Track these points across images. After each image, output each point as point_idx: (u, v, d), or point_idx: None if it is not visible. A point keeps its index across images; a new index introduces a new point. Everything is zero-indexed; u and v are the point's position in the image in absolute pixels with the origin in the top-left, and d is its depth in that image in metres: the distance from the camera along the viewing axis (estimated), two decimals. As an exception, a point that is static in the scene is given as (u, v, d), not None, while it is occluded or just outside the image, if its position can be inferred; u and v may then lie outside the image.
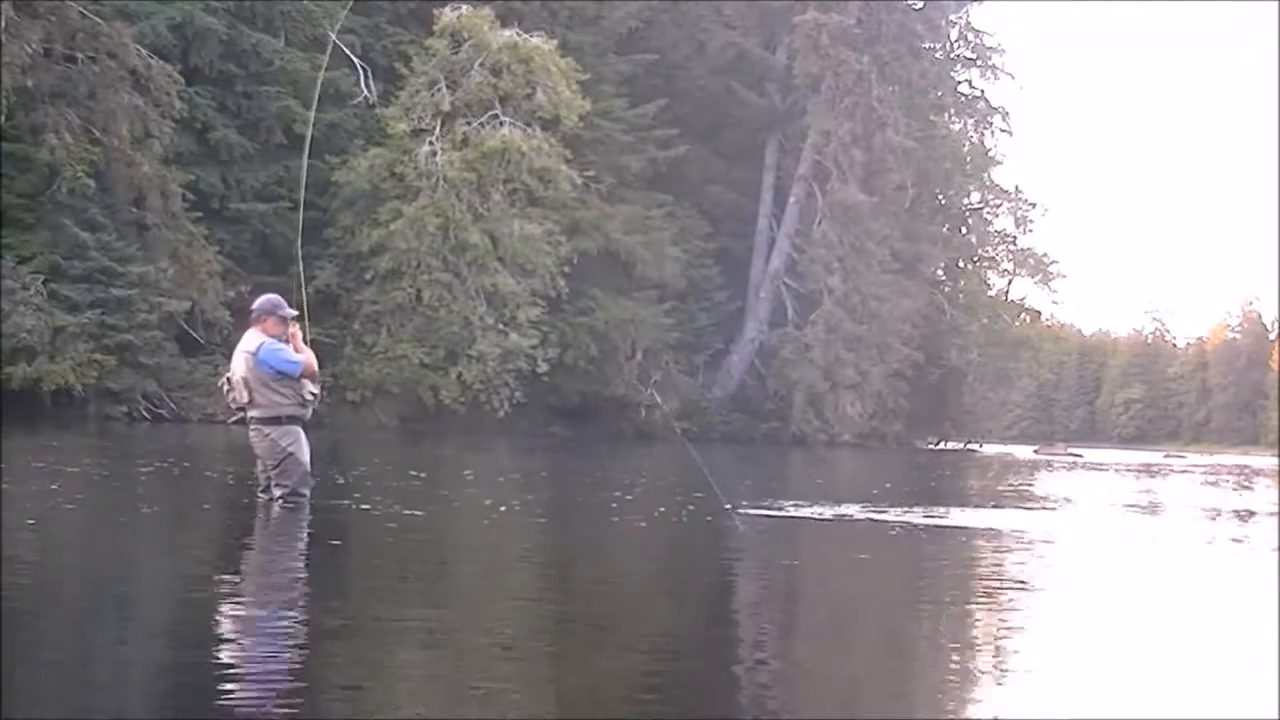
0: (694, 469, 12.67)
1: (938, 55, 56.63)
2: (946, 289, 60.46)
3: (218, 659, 4.95)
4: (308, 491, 10.28)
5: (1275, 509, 18.37)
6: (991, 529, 11.73)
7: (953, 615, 7.03)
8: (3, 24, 28.52)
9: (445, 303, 37.00)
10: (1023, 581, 8.42)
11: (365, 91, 38.68)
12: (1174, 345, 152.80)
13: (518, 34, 38.38)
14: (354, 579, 7.49)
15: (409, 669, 5.00)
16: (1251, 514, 17.01)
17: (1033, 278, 66.12)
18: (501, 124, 37.74)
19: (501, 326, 37.20)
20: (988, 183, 63.11)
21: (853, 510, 13.08)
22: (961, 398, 60.16)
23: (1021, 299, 67.74)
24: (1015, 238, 64.45)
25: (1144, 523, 14.72)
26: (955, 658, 5.83)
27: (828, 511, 12.91)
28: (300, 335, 10.41)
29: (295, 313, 10.37)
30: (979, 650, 5.97)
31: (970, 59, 58.05)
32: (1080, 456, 56.96)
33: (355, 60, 38.94)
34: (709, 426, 46.48)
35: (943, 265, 60.73)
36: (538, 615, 6.47)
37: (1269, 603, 7.87)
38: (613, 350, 42.41)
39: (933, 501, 15.84)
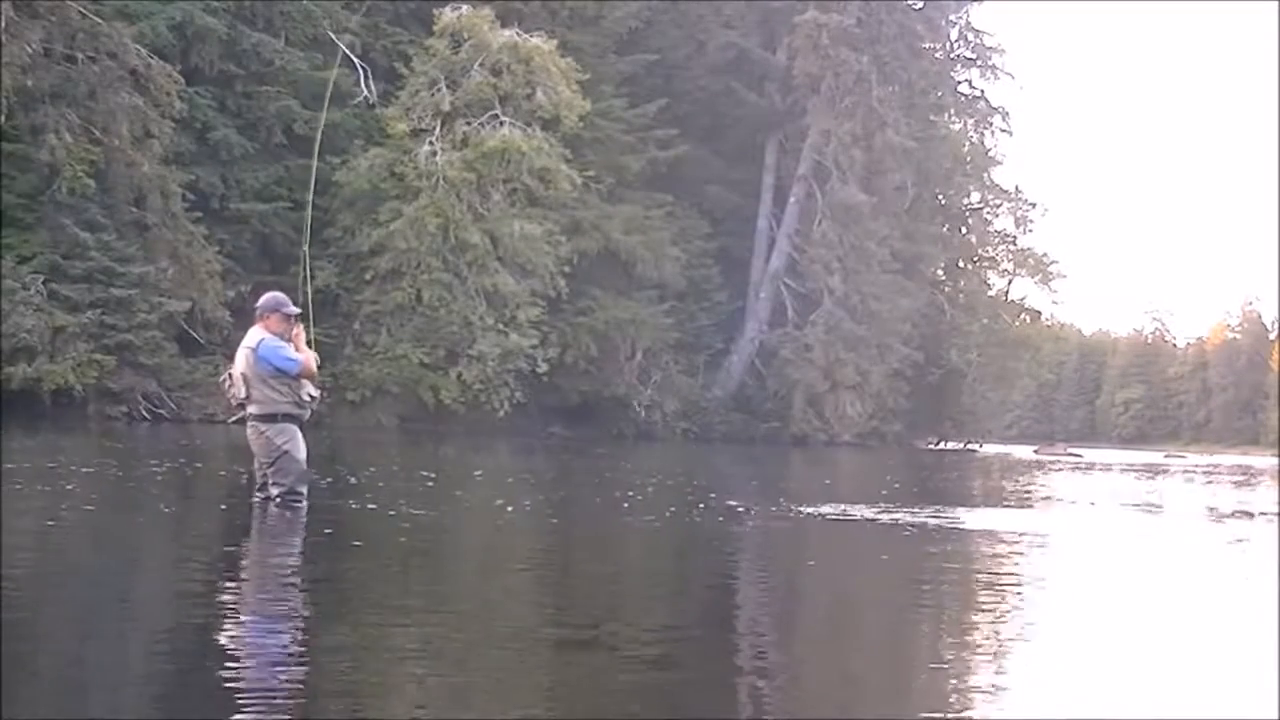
0: (703, 469, 12.64)
1: (938, 55, 56.68)
2: (946, 289, 60.52)
3: (218, 659, 4.95)
4: (305, 490, 10.26)
5: (1275, 509, 18.37)
6: (1008, 531, 11.71)
7: (980, 616, 7.03)
8: (3, 24, 28.51)
9: (445, 303, 37.00)
10: (1029, 580, 8.42)
11: (365, 91, 38.69)
12: (1174, 345, 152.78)
13: (518, 34, 38.37)
14: (373, 578, 7.47)
15: (426, 669, 5.01)
16: (1252, 514, 17.01)
17: (1033, 278, 66.19)
18: (501, 124, 37.74)
19: (501, 326, 37.20)
20: (988, 183, 63.16)
21: (867, 511, 13.07)
22: (961, 398, 60.19)
23: (1021, 299, 67.82)
24: (1015, 238, 64.55)
25: (1144, 523, 14.71)
26: (955, 658, 5.83)
27: (847, 512, 12.91)
28: (304, 336, 10.41)
29: (299, 311, 10.37)
30: (980, 651, 5.97)
31: (970, 59, 58.11)
32: (1080, 456, 56.97)
33: (355, 60, 38.94)
34: (709, 426, 46.53)
35: (943, 265, 60.78)
36: (558, 614, 6.48)
37: (1269, 603, 7.87)
38: (613, 350, 42.43)
39: (943, 502, 15.85)
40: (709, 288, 48.22)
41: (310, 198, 16.52)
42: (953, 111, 59.93)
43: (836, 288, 48.73)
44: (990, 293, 64.57)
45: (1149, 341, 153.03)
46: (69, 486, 11.73)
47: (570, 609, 6.78)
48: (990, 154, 61.59)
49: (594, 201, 41.56)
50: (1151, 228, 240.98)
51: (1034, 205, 63.54)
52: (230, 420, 28.51)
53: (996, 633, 6.37)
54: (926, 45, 54.99)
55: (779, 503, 14.03)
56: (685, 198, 47.26)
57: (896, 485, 20.76)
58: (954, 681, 5.23)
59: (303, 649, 5.35)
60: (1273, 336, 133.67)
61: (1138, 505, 18.09)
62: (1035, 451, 65.22)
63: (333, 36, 38.28)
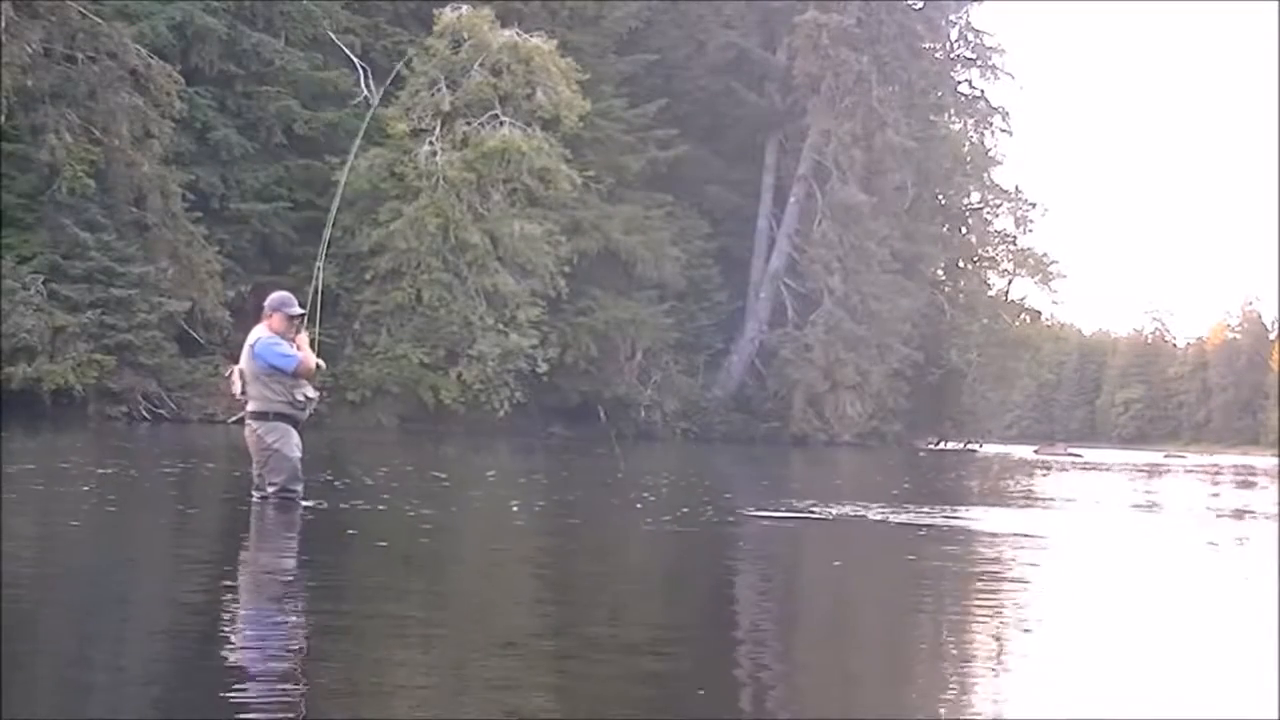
0: (709, 469, 12.66)
1: (938, 55, 56.68)
2: (946, 289, 60.53)
3: (219, 659, 4.95)
4: (299, 489, 10.21)
5: (1275, 509, 18.37)
6: (1026, 533, 11.72)
7: (1020, 618, 7.03)
8: (3, 24, 28.51)
9: (445, 303, 36.99)
10: (1028, 581, 8.42)
11: (365, 91, 38.69)
12: (1174, 345, 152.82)
13: (518, 34, 38.36)
14: (394, 580, 7.48)
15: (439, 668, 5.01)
16: (1252, 514, 17.02)
17: (1033, 278, 66.20)
18: (501, 124, 37.73)
19: (501, 326, 37.20)
20: (988, 183, 63.17)
21: (883, 512, 13.04)
22: (961, 398, 60.20)
23: (1021, 299, 67.83)
24: (1015, 238, 64.56)
25: (1145, 523, 14.71)
26: (956, 658, 5.83)
27: (863, 513, 12.89)
28: (307, 340, 10.36)
29: (302, 311, 10.34)
30: (982, 651, 5.98)
31: (970, 59, 58.11)
32: (1080, 456, 56.97)
33: (355, 60, 38.97)
34: (709, 426, 46.53)
35: (943, 265, 60.80)
36: (588, 615, 6.50)
37: (1269, 603, 7.87)
38: (613, 350, 42.43)
39: (954, 503, 15.88)
40: (709, 288, 48.22)
41: (334, 211, 16.21)
42: (953, 111, 59.94)
43: (836, 288, 48.73)
44: (990, 293, 64.59)
45: (1149, 341, 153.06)
46: (85, 488, 11.73)
47: (593, 610, 6.77)
48: (990, 154, 61.61)
49: (594, 201, 41.56)
50: (1151, 228, 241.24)
51: (1034, 205, 63.60)
52: (230, 420, 28.60)
53: (1006, 633, 6.38)
54: (926, 45, 55.00)
55: (794, 504, 14.03)
56: (685, 198, 47.26)
57: (906, 485, 20.74)
58: (992, 682, 5.23)
59: (304, 650, 5.35)
60: (1273, 336, 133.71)
61: (1140, 506, 18.09)
62: (1035, 451, 65.25)
63: (333, 36, 38.35)
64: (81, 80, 30.22)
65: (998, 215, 64.25)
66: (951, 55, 58.00)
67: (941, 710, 4.77)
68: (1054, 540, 11.32)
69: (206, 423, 31.25)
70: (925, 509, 13.77)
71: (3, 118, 29.17)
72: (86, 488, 11.74)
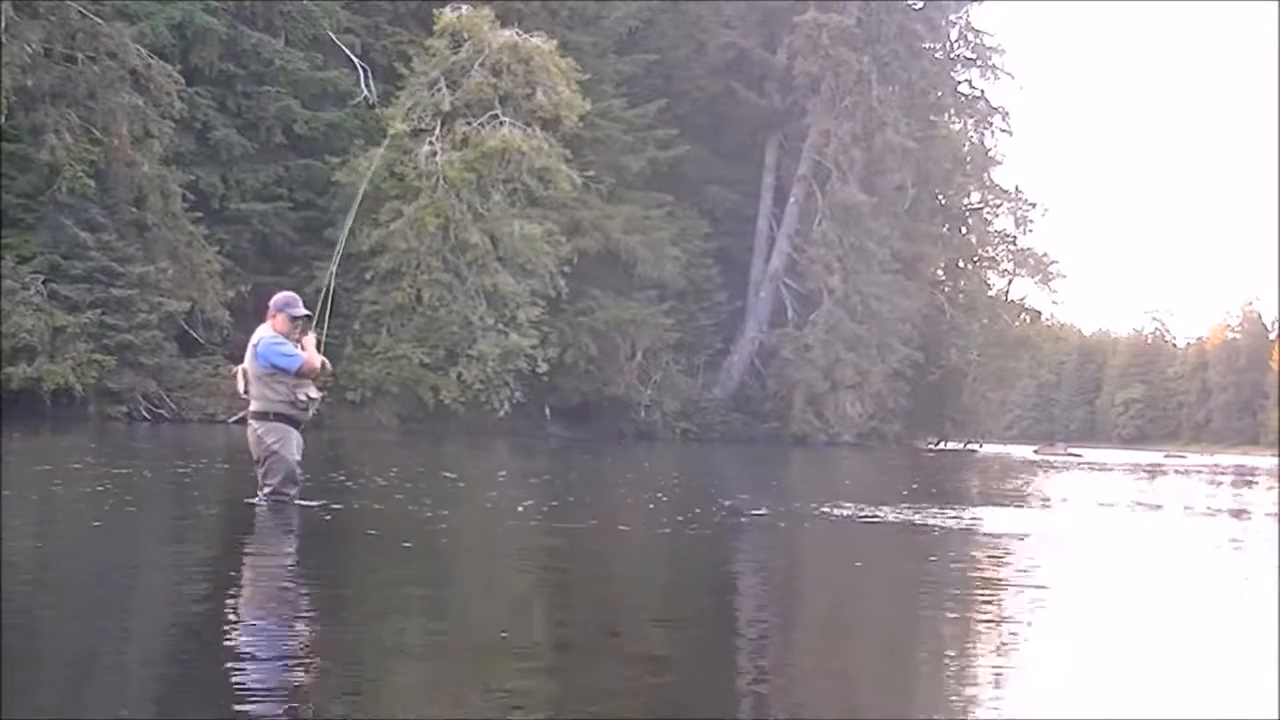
0: (715, 469, 12.67)
1: (938, 55, 56.63)
2: (946, 289, 60.52)
3: (220, 658, 4.95)
4: (293, 491, 10.16)
5: (1275, 509, 18.37)
6: (1041, 534, 11.74)
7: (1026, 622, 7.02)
8: (3, 24, 28.52)
9: (445, 303, 37.01)
10: (1047, 585, 8.42)
11: (365, 91, 38.72)
12: (1174, 345, 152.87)
13: (518, 34, 38.36)
14: (427, 579, 7.47)
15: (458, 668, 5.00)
16: (1251, 514, 17.02)
17: (1033, 278, 66.12)
18: (501, 124, 37.74)
19: (501, 326, 37.20)
20: (988, 183, 63.12)
21: (896, 513, 13.02)
22: (961, 398, 60.19)
23: (1021, 299, 67.76)
24: (1015, 238, 64.47)
25: (1145, 523, 14.72)
26: (957, 658, 5.84)
27: (876, 513, 12.89)
28: (313, 341, 10.31)
29: (306, 312, 10.29)
30: (983, 651, 5.98)
31: (970, 59, 58.05)
32: (1079, 456, 56.95)
33: (355, 60, 38.97)
34: (709, 426, 46.53)
35: (943, 265, 60.80)
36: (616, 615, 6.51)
37: (1269, 603, 7.87)
38: (613, 350, 42.44)
39: (964, 503, 15.90)
40: (709, 288, 48.23)
41: (350, 219, 16.06)
42: (953, 111, 59.89)
43: (836, 288, 48.74)
44: (990, 293, 64.53)
45: (1149, 341, 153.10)
46: (100, 488, 11.75)
47: (621, 610, 6.77)
48: (990, 154, 61.55)
49: (594, 201, 41.56)
50: (1151, 228, 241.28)
51: (1034, 205, 63.51)
52: (230, 420, 28.56)
53: (1004, 634, 6.38)
54: (926, 45, 54.96)
55: (805, 504, 14.04)
56: (685, 198, 47.27)
57: (915, 486, 20.75)
58: (963, 681, 5.23)
59: (306, 649, 5.35)
60: (1273, 336, 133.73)
61: (1141, 506, 18.09)
62: (1035, 452, 65.26)
63: (333, 36, 38.36)
64: (81, 80, 30.22)
65: (998, 215, 64.23)
66: (951, 55, 57.95)
67: (977, 711, 4.78)
68: (1070, 542, 11.33)
69: (206, 422, 31.25)
70: (938, 509, 13.79)
71: (3, 118, 29.17)
72: (102, 488, 11.76)
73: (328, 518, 9.93)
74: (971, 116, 60.39)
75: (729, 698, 4.81)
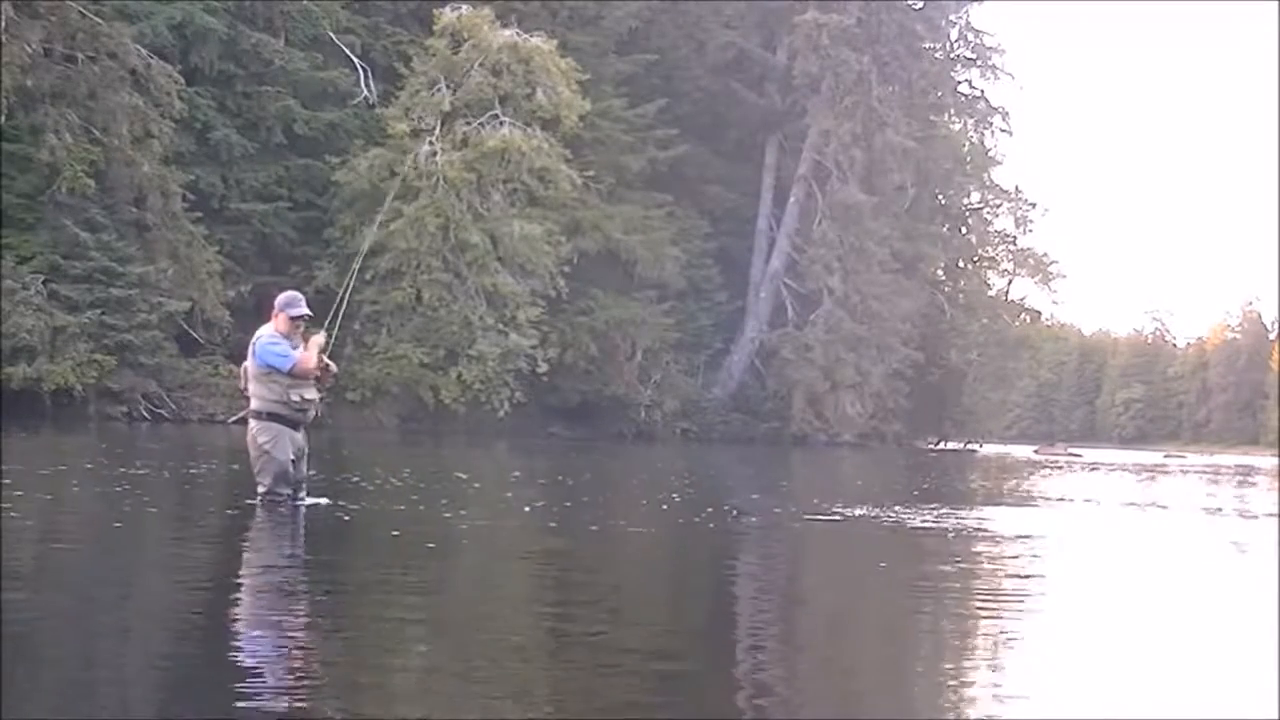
0: (721, 470, 12.68)
1: (938, 55, 56.66)
2: (946, 289, 60.53)
3: (221, 658, 4.96)
4: (287, 491, 10.11)
5: (1275, 509, 18.37)
6: (1058, 535, 11.75)
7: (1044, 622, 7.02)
8: (3, 24, 28.52)
9: (445, 303, 37.01)
10: (1032, 580, 8.43)
11: (365, 91, 38.72)
12: (1174, 345, 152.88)
13: (518, 34, 38.38)
14: (436, 583, 7.48)
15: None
16: (1251, 514, 17.02)
17: (1033, 278, 66.24)
18: (501, 124, 37.74)
19: (501, 326, 37.21)
20: (988, 183, 63.17)
21: (910, 514, 12.99)
22: (961, 398, 60.22)
23: (1021, 299, 67.85)
24: (1015, 238, 64.57)
25: (1145, 523, 14.72)
26: (954, 658, 5.84)
27: (892, 514, 12.87)
28: (319, 342, 10.18)
29: (305, 312, 10.21)
30: (984, 651, 5.98)
31: (970, 59, 58.07)
32: (1079, 456, 56.94)
33: (355, 60, 38.98)
34: (709, 426, 46.53)
35: (943, 265, 60.80)
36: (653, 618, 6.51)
37: (1269, 603, 7.87)
38: (613, 350, 42.43)
39: (974, 504, 15.92)
40: (709, 288, 48.23)
41: (375, 226, 15.96)
42: (953, 111, 59.93)
43: (836, 288, 48.75)
44: (990, 293, 64.59)
45: (1149, 341, 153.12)
46: (116, 489, 11.77)
47: (649, 609, 6.77)
48: (990, 154, 61.61)
49: (594, 201, 41.57)
50: (1151, 228, 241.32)
51: (1034, 205, 63.63)
52: (230, 420, 28.54)
53: (1001, 636, 6.38)
54: (926, 45, 55.00)
55: (820, 505, 14.05)
56: (685, 198, 47.27)
57: (926, 486, 20.73)
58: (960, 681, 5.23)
59: (308, 650, 5.35)
60: (1273, 336, 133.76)
61: (1142, 506, 18.09)
62: (1035, 452, 65.23)
63: (333, 36, 38.37)
64: (81, 80, 30.22)
65: (998, 215, 64.32)
66: (951, 55, 57.98)
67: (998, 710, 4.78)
68: (1086, 543, 11.33)
69: (206, 423, 31.24)
70: (949, 510, 13.84)
71: (3, 118, 29.17)
72: (119, 488, 11.79)
73: (346, 519, 9.94)
74: (971, 116, 60.43)
75: (799, 701, 4.83)
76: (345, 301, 11.24)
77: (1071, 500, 18.50)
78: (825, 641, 6.34)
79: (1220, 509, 17.83)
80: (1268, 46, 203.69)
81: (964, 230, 63.00)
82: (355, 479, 14.38)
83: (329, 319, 10.50)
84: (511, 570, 8.34)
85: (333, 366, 10.54)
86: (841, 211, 49.10)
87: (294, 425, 10.15)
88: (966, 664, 5.69)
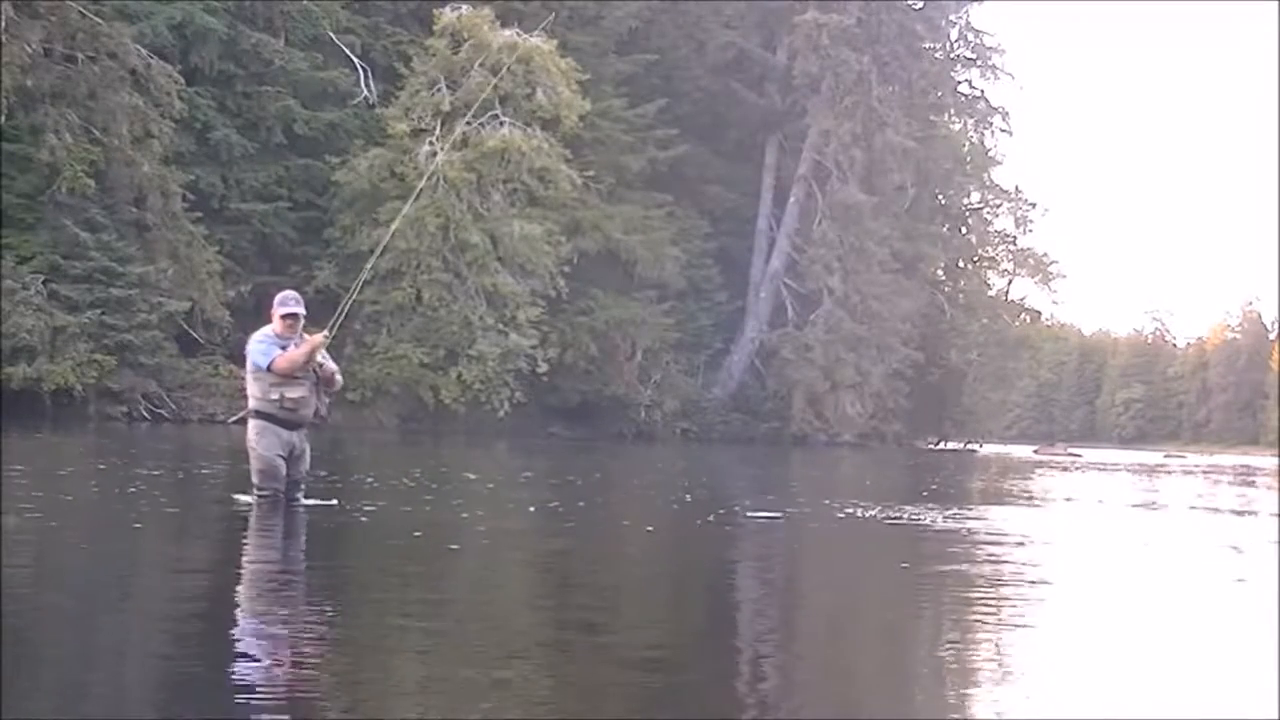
0: (727, 470, 12.72)
1: (938, 55, 56.68)
2: (946, 289, 60.55)
3: (221, 658, 4.95)
4: (275, 488, 10.08)
5: (1275, 509, 18.37)
6: (1072, 536, 11.76)
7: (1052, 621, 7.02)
8: (3, 24, 28.52)
9: (445, 303, 37.01)
10: (1034, 581, 8.42)
11: (365, 91, 38.72)
12: (1174, 345, 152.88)
13: (518, 34, 38.36)
14: (453, 584, 7.49)
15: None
16: (1251, 514, 17.02)
17: (1033, 278, 66.25)
18: (501, 124, 37.75)
19: (501, 326, 37.21)
20: (988, 183, 63.19)
21: (924, 513, 12.98)
22: (961, 398, 60.23)
23: (1021, 299, 67.85)
24: (1015, 238, 64.57)
25: (1145, 522, 14.72)
26: (954, 658, 5.84)
27: (907, 514, 12.86)
28: (315, 341, 10.04)
29: (291, 310, 10.13)
30: (983, 652, 5.98)
31: (970, 59, 58.10)
32: (1079, 456, 56.93)
33: (355, 60, 38.98)
34: (709, 426, 46.53)
35: (943, 265, 60.82)
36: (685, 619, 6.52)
37: (1269, 603, 7.87)
38: (613, 350, 42.43)
39: (982, 504, 15.94)
40: (709, 288, 48.24)
41: (393, 229, 15.83)
42: (953, 111, 59.95)
43: (836, 288, 48.76)
44: (990, 293, 64.61)
45: (1149, 341, 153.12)
46: (131, 489, 11.78)
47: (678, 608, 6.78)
48: (990, 154, 61.64)
49: (594, 201, 41.57)
50: (1151, 228, 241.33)
51: (1034, 205, 63.64)
52: (230, 420, 28.53)
53: (1002, 635, 6.38)
54: (926, 45, 55.02)
55: (833, 505, 14.05)
56: (685, 198, 47.28)
57: (934, 486, 20.72)
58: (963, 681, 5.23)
59: (309, 651, 5.35)
60: (1273, 336, 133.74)
61: (1144, 505, 18.10)
62: (1035, 452, 65.22)
63: (333, 36, 38.37)
64: (81, 80, 30.23)
65: (998, 215, 64.33)
66: (951, 55, 58.00)
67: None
68: (1100, 545, 11.33)
69: (206, 423, 31.24)
70: (959, 510, 13.87)
71: (3, 118, 29.18)
72: (133, 489, 11.80)
73: (364, 519, 9.95)
74: (971, 116, 60.46)
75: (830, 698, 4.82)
76: (352, 301, 11.15)
77: (1080, 500, 18.52)
78: (876, 644, 6.33)
79: (1219, 508, 17.84)
80: (1268, 46, 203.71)
81: (964, 230, 63.03)
82: (370, 480, 14.40)
83: (334, 318, 10.43)
84: (536, 571, 8.32)
85: (328, 365, 10.30)
86: (841, 211, 49.11)
87: (286, 424, 10.11)
88: (1001, 666, 5.69)
